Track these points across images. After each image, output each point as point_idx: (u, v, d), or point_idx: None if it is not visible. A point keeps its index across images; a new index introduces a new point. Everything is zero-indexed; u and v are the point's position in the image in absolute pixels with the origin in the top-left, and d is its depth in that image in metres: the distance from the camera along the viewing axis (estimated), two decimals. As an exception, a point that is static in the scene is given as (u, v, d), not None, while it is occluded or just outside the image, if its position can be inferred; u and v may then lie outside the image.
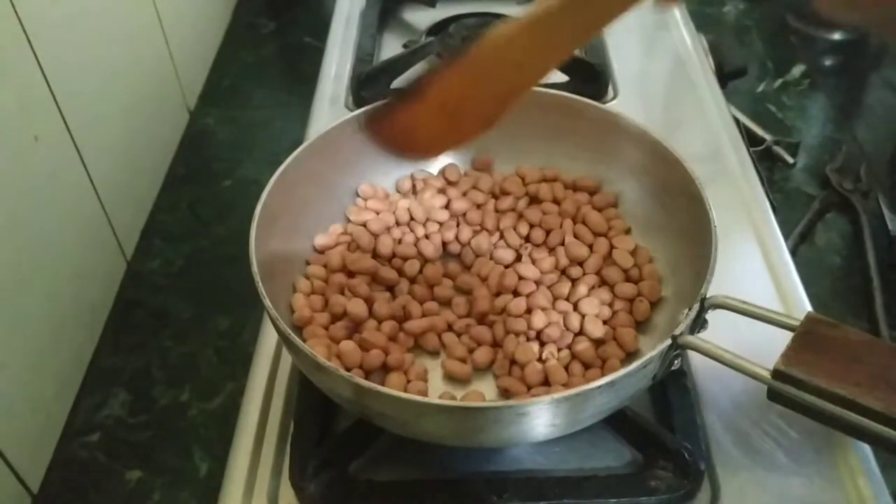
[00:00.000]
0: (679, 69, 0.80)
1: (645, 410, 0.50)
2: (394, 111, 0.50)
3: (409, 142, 0.52)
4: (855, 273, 0.74)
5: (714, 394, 0.51)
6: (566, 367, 0.50)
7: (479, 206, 0.60)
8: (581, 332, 0.51)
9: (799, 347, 0.41)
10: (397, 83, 0.77)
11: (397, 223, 0.59)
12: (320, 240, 0.57)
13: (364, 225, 0.58)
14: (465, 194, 0.61)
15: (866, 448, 0.48)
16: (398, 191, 0.62)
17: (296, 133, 0.75)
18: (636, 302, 0.52)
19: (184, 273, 0.78)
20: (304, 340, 0.50)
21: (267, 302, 0.45)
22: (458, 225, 0.59)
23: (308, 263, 0.56)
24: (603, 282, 0.54)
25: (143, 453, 0.63)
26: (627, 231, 0.57)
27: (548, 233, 0.58)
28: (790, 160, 0.86)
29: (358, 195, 0.60)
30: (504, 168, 0.63)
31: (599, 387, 0.40)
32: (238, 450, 0.50)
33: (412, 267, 0.56)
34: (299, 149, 0.55)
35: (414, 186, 0.62)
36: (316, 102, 0.77)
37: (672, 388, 0.50)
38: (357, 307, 0.52)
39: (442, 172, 0.62)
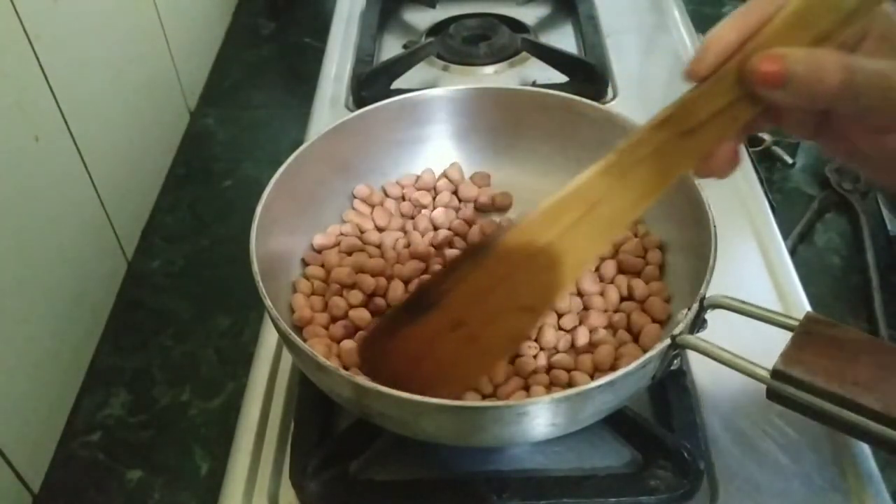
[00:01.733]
0: (679, 69, 0.79)
1: (644, 410, 0.51)
2: (392, 330, 0.41)
3: (414, 375, 0.41)
4: (854, 273, 0.74)
5: (713, 394, 0.51)
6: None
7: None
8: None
9: (798, 347, 0.41)
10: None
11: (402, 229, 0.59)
12: (319, 240, 0.57)
13: (358, 227, 0.58)
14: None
15: (866, 448, 0.48)
16: (387, 195, 0.62)
17: (296, 133, 0.75)
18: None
19: (184, 273, 0.78)
20: (305, 340, 0.50)
21: (267, 302, 0.45)
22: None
23: (307, 264, 0.56)
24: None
25: (143, 453, 0.63)
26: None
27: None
28: (789, 160, 0.86)
29: (354, 196, 0.61)
30: (505, 169, 0.63)
31: (599, 386, 0.40)
32: (238, 449, 0.50)
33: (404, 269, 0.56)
34: (299, 149, 0.55)
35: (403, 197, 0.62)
36: (316, 103, 0.77)
37: (672, 388, 0.50)
38: (360, 314, 0.52)
39: (444, 175, 0.62)
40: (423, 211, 0.60)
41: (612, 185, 0.39)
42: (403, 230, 0.59)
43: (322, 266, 0.56)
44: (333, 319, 0.53)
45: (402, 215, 0.60)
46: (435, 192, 0.62)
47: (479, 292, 0.40)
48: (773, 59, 0.33)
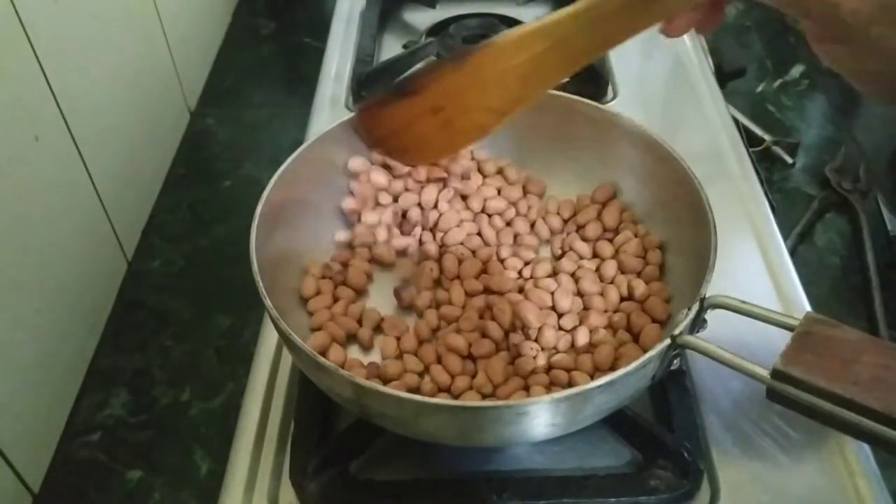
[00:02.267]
0: (678, 69, 0.80)
1: (645, 410, 0.51)
2: (385, 105, 0.49)
3: (398, 143, 0.50)
4: (854, 273, 0.74)
5: (714, 394, 0.51)
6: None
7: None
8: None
9: (798, 347, 0.41)
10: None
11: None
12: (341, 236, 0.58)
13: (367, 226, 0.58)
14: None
15: (866, 448, 0.48)
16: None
17: (296, 133, 0.75)
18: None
19: (184, 273, 0.78)
20: (311, 314, 0.52)
21: (267, 302, 0.45)
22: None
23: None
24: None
25: (143, 453, 0.63)
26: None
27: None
28: (789, 160, 0.87)
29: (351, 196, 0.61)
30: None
31: (599, 386, 0.40)
32: (238, 449, 0.50)
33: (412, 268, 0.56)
34: (299, 149, 0.55)
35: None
36: (316, 103, 0.77)
37: (672, 388, 0.50)
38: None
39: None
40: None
41: (581, 29, 0.43)
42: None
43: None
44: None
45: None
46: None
47: (455, 89, 0.47)
48: None
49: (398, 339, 0.52)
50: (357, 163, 0.58)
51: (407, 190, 0.59)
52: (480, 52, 0.46)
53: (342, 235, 0.58)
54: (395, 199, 0.59)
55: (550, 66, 0.45)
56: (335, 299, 0.54)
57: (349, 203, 0.58)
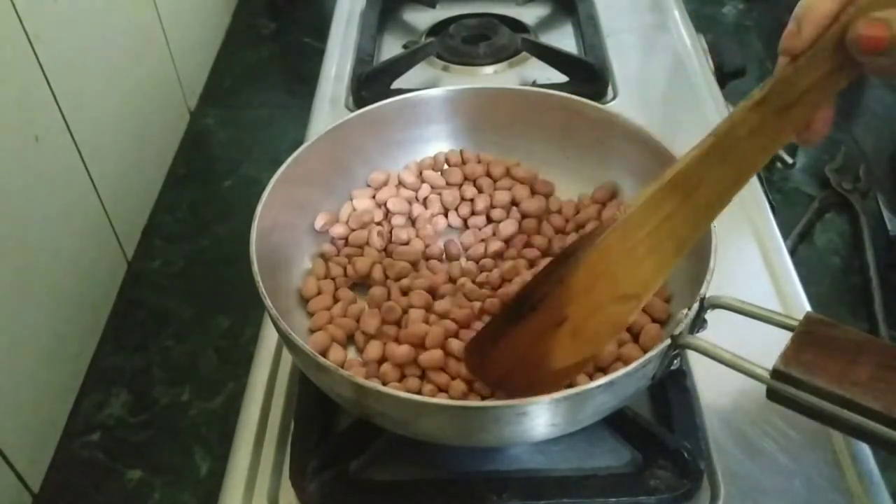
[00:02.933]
0: (679, 69, 0.80)
1: (644, 410, 0.51)
2: (497, 339, 0.42)
3: (521, 379, 0.43)
4: (854, 273, 0.74)
5: (714, 394, 0.51)
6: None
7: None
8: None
9: (798, 347, 0.41)
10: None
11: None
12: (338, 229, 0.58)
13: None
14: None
15: (866, 448, 0.48)
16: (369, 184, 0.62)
17: (296, 133, 0.75)
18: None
19: (184, 273, 0.78)
20: (311, 314, 0.52)
21: (267, 302, 0.45)
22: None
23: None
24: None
25: (143, 453, 0.63)
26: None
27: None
28: (789, 160, 0.86)
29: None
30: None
31: (599, 386, 0.40)
32: (238, 449, 0.50)
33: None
34: (299, 149, 0.55)
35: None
36: (316, 103, 0.77)
37: (672, 388, 0.50)
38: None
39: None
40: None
41: (711, 169, 0.39)
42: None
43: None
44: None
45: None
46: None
47: (579, 290, 0.40)
48: (877, 24, 0.33)
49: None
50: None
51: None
52: (604, 237, 0.40)
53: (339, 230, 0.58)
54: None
55: (684, 223, 0.40)
56: (335, 300, 0.54)
57: (321, 219, 0.58)
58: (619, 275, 0.41)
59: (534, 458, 0.49)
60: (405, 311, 0.52)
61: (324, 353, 0.50)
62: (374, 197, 0.60)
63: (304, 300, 0.54)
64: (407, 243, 0.58)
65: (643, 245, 0.40)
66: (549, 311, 0.41)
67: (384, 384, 0.49)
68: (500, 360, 0.44)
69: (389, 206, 0.59)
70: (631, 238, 0.40)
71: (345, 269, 0.56)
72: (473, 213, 0.60)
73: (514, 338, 0.43)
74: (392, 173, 0.61)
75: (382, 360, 0.50)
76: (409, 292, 0.54)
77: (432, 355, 0.48)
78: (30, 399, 0.61)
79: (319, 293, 0.54)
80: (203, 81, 1.00)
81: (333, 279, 0.55)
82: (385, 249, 0.58)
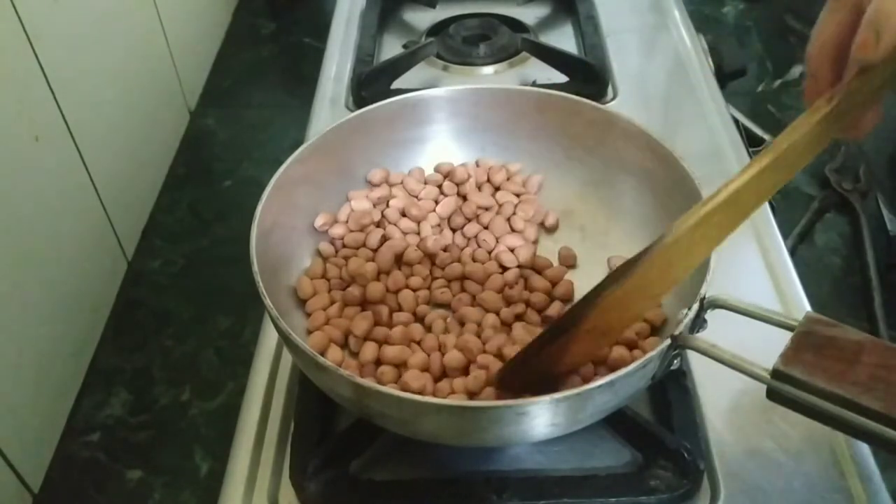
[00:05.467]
0: (679, 69, 0.80)
1: (645, 410, 0.51)
2: (529, 358, 0.44)
3: (549, 380, 0.45)
4: (854, 273, 0.74)
5: (714, 394, 0.51)
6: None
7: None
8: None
9: (798, 347, 0.41)
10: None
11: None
12: (337, 229, 0.58)
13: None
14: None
15: (866, 448, 0.48)
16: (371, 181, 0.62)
17: (296, 133, 0.75)
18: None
19: (184, 273, 0.78)
20: (308, 315, 0.52)
21: (267, 302, 0.45)
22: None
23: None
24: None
25: (143, 453, 0.63)
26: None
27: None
28: (790, 160, 0.86)
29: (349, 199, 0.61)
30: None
31: (599, 386, 0.40)
32: (238, 449, 0.50)
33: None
34: (300, 149, 0.55)
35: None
36: (316, 103, 0.77)
37: (672, 388, 0.50)
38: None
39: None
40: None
41: (763, 181, 0.39)
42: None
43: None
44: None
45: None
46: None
47: (617, 304, 0.41)
48: None
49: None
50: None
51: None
52: (651, 256, 0.40)
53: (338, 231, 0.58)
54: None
55: (723, 228, 0.41)
56: (332, 301, 0.54)
57: (321, 219, 0.58)
58: (654, 285, 0.41)
59: (534, 458, 0.49)
60: (392, 313, 0.53)
61: (322, 354, 0.50)
62: (370, 196, 0.60)
63: (301, 300, 0.54)
64: (405, 243, 0.58)
65: (683, 253, 0.41)
66: (582, 325, 0.42)
67: (381, 384, 0.49)
68: (532, 371, 0.45)
69: (389, 205, 0.59)
70: (671, 257, 0.41)
71: (341, 270, 0.56)
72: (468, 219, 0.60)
73: (548, 352, 0.44)
74: (392, 173, 0.61)
75: (378, 360, 0.50)
76: (399, 293, 0.54)
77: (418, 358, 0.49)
78: (30, 399, 0.61)
79: (314, 293, 0.54)
80: (203, 81, 1.01)
81: (328, 279, 0.55)
82: (377, 250, 0.57)
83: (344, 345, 0.52)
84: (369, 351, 0.50)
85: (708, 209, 0.40)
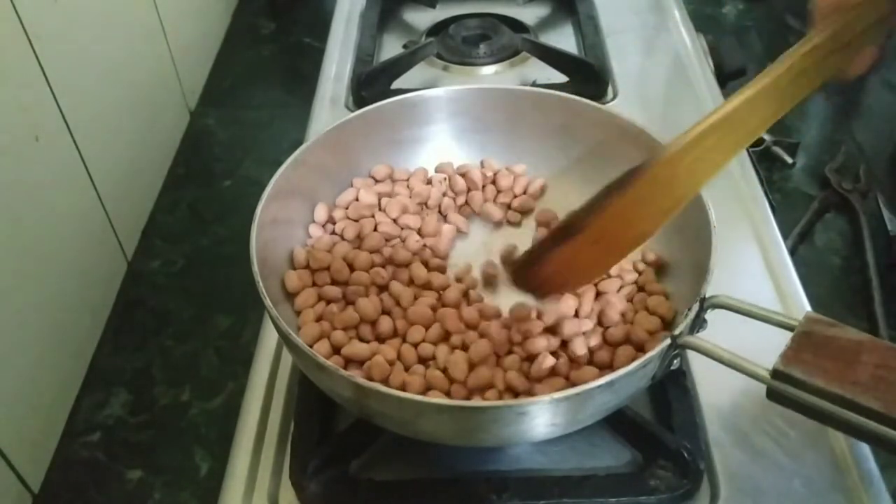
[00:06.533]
0: (679, 70, 0.80)
1: (645, 410, 0.51)
2: (540, 257, 0.45)
3: (555, 284, 0.46)
4: (854, 273, 0.74)
5: (714, 394, 0.51)
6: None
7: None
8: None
9: (798, 347, 0.41)
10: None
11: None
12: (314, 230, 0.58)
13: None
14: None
15: (866, 448, 0.48)
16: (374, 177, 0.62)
17: (296, 133, 0.75)
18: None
19: (184, 273, 0.78)
20: (298, 313, 0.51)
21: (267, 302, 0.45)
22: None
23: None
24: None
25: (143, 453, 0.63)
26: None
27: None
28: (789, 160, 0.86)
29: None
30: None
31: (599, 386, 0.40)
32: (238, 449, 0.50)
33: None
34: (300, 149, 0.55)
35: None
36: (316, 102, 0.77)
37: (672, 388, 0.50)
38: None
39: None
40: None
41: (758, 106, 0.40)
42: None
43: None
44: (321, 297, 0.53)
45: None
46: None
47: (620, 215, 0.42)
48: None
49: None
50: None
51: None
52: (649, 169, 0.42)
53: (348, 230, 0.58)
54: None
55: (719, 152, 0.42)
56: (319, 298, 0.53)
57: (320, 211, 0.58)
58: (655, 201, 0.43)
59: (534, 458, 0.49)
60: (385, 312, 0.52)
61: (311, 346, 0.49)
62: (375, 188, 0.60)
63: (289, 294, 0.53)
64: (404, 241, 0.58)
65: (683, 171, 0.42)
66: (588, 233, 0.43)
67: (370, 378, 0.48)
68: (540, 272, 0.46)
69: (386, 203, 0.59)
70: (670, 171, 0.42)
71: (329, 266, 0.55)
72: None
73: (556, 255, 0.45)
74: (396, 170, 0.61)
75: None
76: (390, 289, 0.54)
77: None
78: (30, 399, 0.61)
79: (302, 287, 0.53)
80: (203, 81, 1.00)
81: (313, 271, 0.54)
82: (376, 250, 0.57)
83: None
84: (358, 346, 0.50)
85: (703, 127, 0.41)
